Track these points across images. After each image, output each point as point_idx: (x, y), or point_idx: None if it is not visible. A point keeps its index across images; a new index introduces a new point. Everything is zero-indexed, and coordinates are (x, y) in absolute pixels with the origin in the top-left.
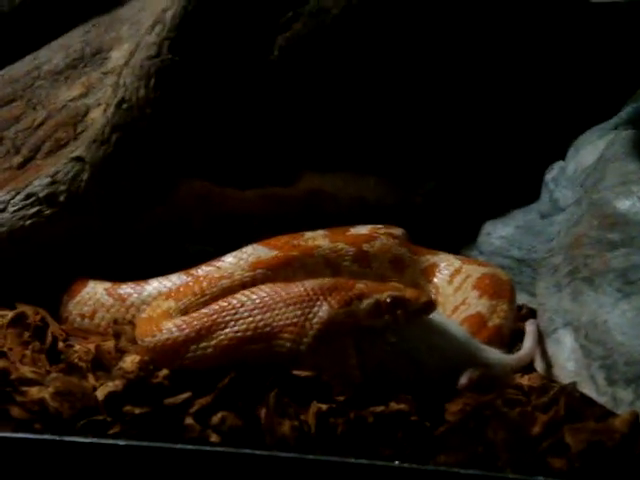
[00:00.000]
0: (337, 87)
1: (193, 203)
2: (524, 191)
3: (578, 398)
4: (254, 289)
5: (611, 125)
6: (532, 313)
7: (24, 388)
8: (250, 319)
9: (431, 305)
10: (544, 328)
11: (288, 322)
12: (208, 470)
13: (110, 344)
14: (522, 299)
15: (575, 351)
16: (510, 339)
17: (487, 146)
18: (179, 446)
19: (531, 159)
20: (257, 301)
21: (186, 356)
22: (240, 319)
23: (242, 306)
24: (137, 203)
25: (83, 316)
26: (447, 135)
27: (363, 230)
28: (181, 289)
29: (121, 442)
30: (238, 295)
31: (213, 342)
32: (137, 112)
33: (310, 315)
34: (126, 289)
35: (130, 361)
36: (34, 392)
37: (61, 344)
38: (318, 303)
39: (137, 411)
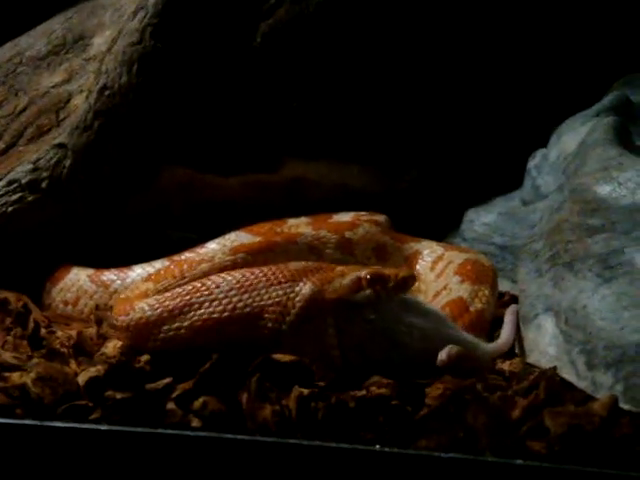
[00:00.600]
0: (320, 74)
1: (175, 190)
2: (506, 178)
3: (558, 382)
4: (231, 271)
5: (593, 112)
6: (514, 300)
7: (5, 374)
8: (226, 300)
9: (410, 280)
10: (525, 313)
11: (270, 302)
12: (190, 455)
13: (92, 330)
14: (504, 286)
15: (556, 336)
16: (491, 325)
17: (470, 134)
18: (160, 431)
19: (513, 146)
20: (234, 282)
21: (159, 336)
22: (215, 300)
23: (217, 287)
24: (120, 190)
25: (66, 303)
26: (430, 123)
27: (346, 217)
28: (161, 272)
29: (103, 427)
30: (213, 277)
31: (186, 323)
32: (119, 98)
33: (292, 294)
34: (109, 275)
35: (112, 346)
36: (15, 377)
37: (43, 330)
38: (300, 283)
39: (118, 396)
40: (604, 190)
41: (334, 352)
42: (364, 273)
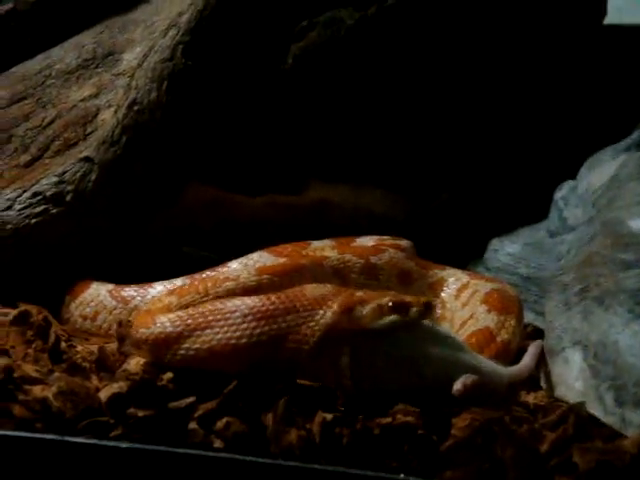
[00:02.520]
0: (349, 97)
1: (200, 208)
2: (532, 209)
3: (586, 418)
4: (252, 296)
5: (623, 146)
6: (538, 332)
7: (27, 387)
8: (244, 325)
9: (431, 307)
10: (552, 346)
11: (289, 330)
12: (211, 476)
13: (113, 346)
14: (528, 318)
15: (583, 371)
16: (516, 356)
17: (497, 163)
18: (182, 450)
19: (540, 177)
20: (252, 307)
21: (177, 352)
22: (233, 325)
23: (235, 312)
24: (145, 206)
25: (85, 317)
26: (458, 149)
27: (369, 241)
28: (185, 287)
29: (123, 444)
30: (234, 300)
31: (205, 345)
32: (148, 115)
33: (312, 323)
34: (129, 292)
35: (135, 363)
36: (37, 391)
37: (64, 344)
38: (320, 311)
39: (141, 414)
40: (638, 225)
41: (346, 381)
42: (385, 300)
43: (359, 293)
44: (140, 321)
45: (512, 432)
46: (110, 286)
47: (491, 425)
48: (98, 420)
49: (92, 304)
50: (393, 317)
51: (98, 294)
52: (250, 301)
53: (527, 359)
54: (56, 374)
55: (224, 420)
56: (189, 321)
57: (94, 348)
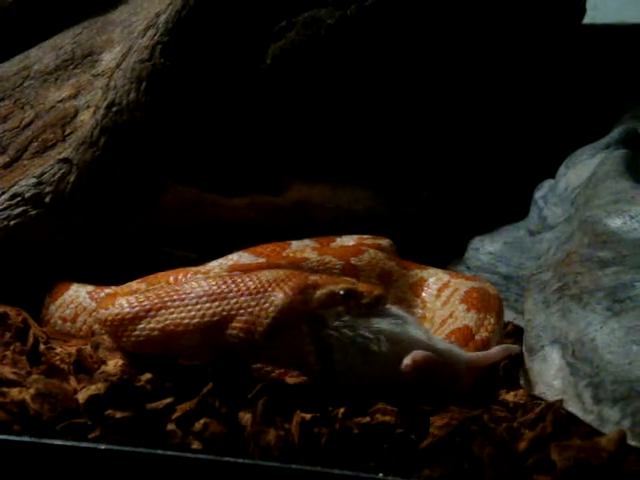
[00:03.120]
0: (328, 98)
1: (180, 209)
2: (512, 208)
3: (565, 416)
4: (208, 278)
5: (602, 145)
6: (518, 330)
7: (4, 389)
8: (197, 307)
9: (382, 298)
10: (531, 345)
11: (241, 312)
12: (189, 477)
13: (89, 348)
14: (508, 316)
15: (562, 369)
16: None
17: (477, 162)
18: (160, 452)
19: (520, 177)
20: (206, 289)
21: (133, 334)
22: (187, 305)
23: (190, 292)
24: (124, 207)
25: (65, 319)
26: (438, 149)
27: (350, 241)
28: (157, 276)
29: (101, 446)
30: (190, 282)
31: (159, 325)
32: (127, 115)
33: (265, 305)
34: (109, 293)
35: (113, 365)
36: (14, 393)
37: (42, 346)
38: (273, 292)
39: (118, 415)
40: (615, 223)
41: (311, 359)
42: (339, 288)
43: (313, 277)
44: (103, 302)
45: (490, 431)
46: (90, 287)
47: (469, 424)
48: (76, 422)
49: (72, 306)
50: (341, 308)
51: (78, 295)
52: (205, 283)
53: (493, 350)
54: (34, 376)
55: (202, 421)
56: (145, 302)
57: (73, 350)
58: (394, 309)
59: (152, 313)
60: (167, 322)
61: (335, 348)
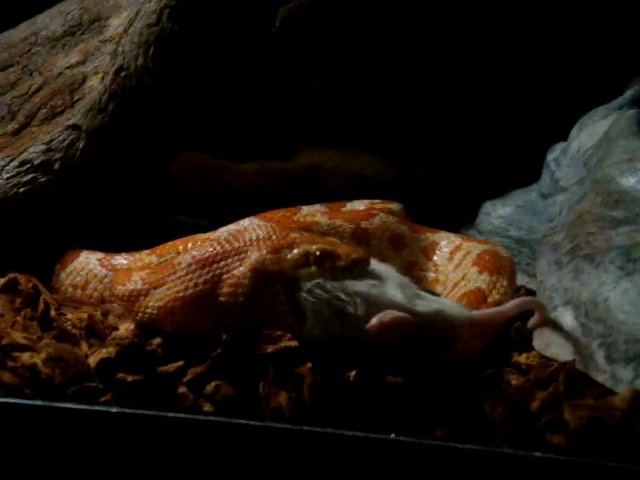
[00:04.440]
0: (338, 62)
1: (190, 175)
2: (524, 171)
3: (577, 375)
4: (197, 245)
5: (615, 106)
6: (530, 293)
7: (15, 354)
8: (188, 277)
9: (361, 262)
10: None
11: (228, 274)
12: (201, 440)
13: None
14: (521, 280)
15: (575, 329)
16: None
17: (488, 125)
18: (172, 415)
19: (531, 139)
20: (196, 257)
21: (146, 311)
22: (180, 277)
23: (180, 263)
24: (134, 173)
25: (75, 287)
26: (450, 113)
27: (360, 205)
28: (166, 246)
29: (113, 409)
30: (182, 255)
31: (162, 302)
32: (135, 81)
33: (245, 264)
34: (119, 260)
35: (124, 329)
36: (26, 358)
37: (53, 312)
38: (251, 252)
39: (130, 379)
40: (628, 182)
41: (289, 320)
42: (314, 249)
43: (293, 235)
44: (118, 278)
45: (502, 391)
46: (100, 255)
47: (481, 384)
48: (87, 386)
49: (82, 273)
50: (314, 268)
51: (88, 263)
52: (195, 251)
53: (508, 305)
54: (45, 341)
55: (213, 384)
56: (152, 278)
57: (84, 315)
58: (378, 270)
59: (157, 289)
60: (167, 298)
61: (309, 310)
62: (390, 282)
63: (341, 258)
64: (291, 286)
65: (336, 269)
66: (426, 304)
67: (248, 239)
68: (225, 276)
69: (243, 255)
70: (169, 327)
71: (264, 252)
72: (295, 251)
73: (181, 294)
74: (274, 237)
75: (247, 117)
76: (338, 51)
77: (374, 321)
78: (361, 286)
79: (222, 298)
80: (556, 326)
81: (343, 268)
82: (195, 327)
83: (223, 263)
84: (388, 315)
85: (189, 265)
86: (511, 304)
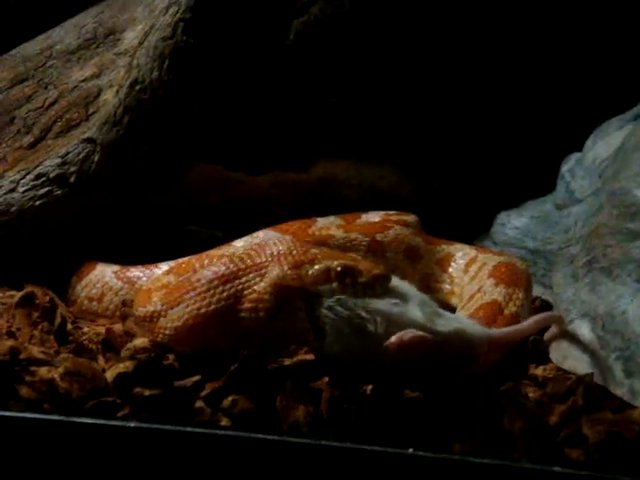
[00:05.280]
0: (352, 73)
1: (205, 187)
2: (539, 182)
3: (595, 389)
4: (216, 261)
5: (630, 117)
6: (546, 305)
7: (33, 368)
8: (210, 292)
9: (383, 278)
10: None
11: (249, 290)
12: (218, 454)
13: (120, 327)
14: (536, 291)
15: (592, 342)
16: None
17: (503, 136)
18: (189, 429)
19: (546, 150)
20: (217, 272)
21: (165, 332)
22: (200, 293)
23: (202, 279)
24: (149, 186)
25: (91, 299)
26: (464, 124)
27: (375, 217)
28: (183, 265)
29: (131, 424)
30: (201, 270)
31: (181, 321)
32: (150, 94)
33: (266, 279)
34: (135, 272)
35: (140, 342)
36: (43, 372)
37: (70, 326)
38: (272, 267)
39: (147, 393)
40: None
41: (309, 336)
42: (335, 264)
43: (314, 250)
44: (138, 300)
45: (521, 405)
46: (116, 267)
47: (499, 398)
48: (105, 400)
49: (98, 285)
50: (335, 284)
51: (104, 275)
52: (216, 267)
53: (525, 323)
54: (62, 355)
55: (230, 398)
56: (170, 297)
57: (101, 329)
58: (399, 287)
59: (175, 309)
60: (185, 316)
61: (329, 327)
62: (411, 301)
63: (363, 274)
64: (312, 302)
65: (357, 285)
66: (446, 323)
67: (269, 254)
68: (246, 292)
69: (264, 270)
70: (189, 347)
71: (285, 268)
72: (316, 267)
73: (203, 310)
74: (295, 252)
75: (262, 129)
76: (352, 63)
77: (394, 339)
78: (382, 304)
79: (243, 314)
80: (573, 339)
81: (364, 284)
82: (215, 345)
83: (245, 278)
84: (408, 334)
85: (211, 281)
86: (530, 321)
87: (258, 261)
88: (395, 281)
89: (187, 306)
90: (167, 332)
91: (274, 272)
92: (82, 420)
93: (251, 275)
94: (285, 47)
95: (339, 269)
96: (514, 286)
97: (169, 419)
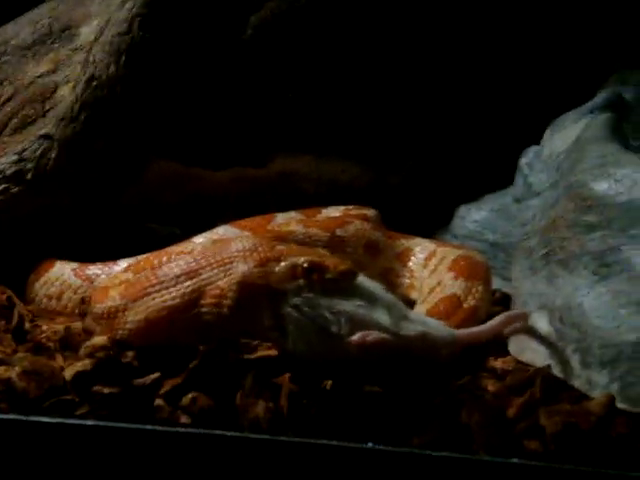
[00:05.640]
0: (310, 68)
1: (164, 184)
2: (498, 175)
3: (553, 381)
4: (184, 255)
5: (586, 109)
6: (505, 298)
7: None
8: (177, 287)
9: (349, 274)
10: None
11: (212, 285)
12: (178, 451)
13: (79, 325)
14: (496, 284)
15: (550, 334)
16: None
17: (461, 130)
18: (149, 427)
19: (505, 143)
20: (184, 267)
21: (125, 326)
22: (168, 287)
23: (170, 272)
24: (106, 183)
25: (50, 297)
26: (422, 119)
27: (335, 212)
28: (141, 262)
29: (89, 422)
30: (170, 263)
31: (143, 314)
32: (107, 90)
33: (230, 276)
34: (94, 270)
35: (99, 340)
36: (1, 371)
37: (27, 324)
38: (237, 264)
39: (106, 391)
40: (601, 187)
41: (272, 334)
42: (302, 261)
43: (280, 247)
44: (95, 297)
45: (479, 398)
46: (74, 265)
47: (457, 391)
48: (63, 399)
49: (57, 283)
50: (302, 281)
51: (62, 273)
52: (182, 261)
53: (491, 323)
54: (20, 354)
55: (190, 396)
56: (131, 292)
57: (59, 327)
58: (366, 287)
59: (138, 302)
60: (149, 309)
61: (292, 326)
62: (378, 302)
63: (329, 270)
64: (277, 300)
65: (324, 282)
66: (412, 327)
67: (234, 250)
68: (209, 287)
69: (229, 266)
70: (150, 341)
71: (251, 265)
72: (283, 264)
73: (169, 303)
74: (260, 249)
75: (220, 125)
76: (310, 56)
77: (357, 337)
78: (347, 305)
79: (205, 309)
80: (531, 331)
81: (331, 281)
82: (176, 340)
83: (209, 274)
84: (372, 335)
85: (178, 275)
86: (495, 321)
87: (224, 256)
88: (362, 280)
89: (153, 298)
90: (128, 326)
91: (239, 268)
92: (40, 419)
93: (215, 271)
94: (242, 42)
95: (305, 265)
96: (473, 279)
97: (128, 417)
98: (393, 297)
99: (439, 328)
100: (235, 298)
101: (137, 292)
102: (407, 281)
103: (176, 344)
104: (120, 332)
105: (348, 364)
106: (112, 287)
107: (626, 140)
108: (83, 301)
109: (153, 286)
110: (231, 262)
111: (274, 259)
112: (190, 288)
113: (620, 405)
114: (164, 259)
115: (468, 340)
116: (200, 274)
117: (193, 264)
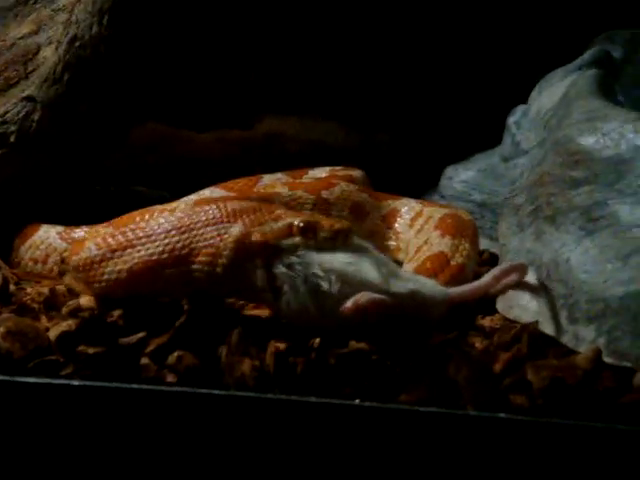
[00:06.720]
0: (298, 29)
1: (149, 146)
2: (486, 135)
3: (540, 336)
4: (177, 212)
5: (574, 67)
6: (493, 257)
7: None
8: (166, 241)
9: (344, 233)
10: None
11: (205, 243)
12: (165, 410)
13: (64, 287)
14: (483, 244)
15: (537, 290)
16: (472, 279)
17: (448, 90)
18: (135, 386)
19: (492, 103)
20: (175, 222)
21: (103, 278)
22: (156, 240)
23: (158, 227)
24: (91, 145)
25: (35, 261)
26: (409, 79)
27: (321, 173)
28: (123, 218)
29: (75, 382)
30: (157, 218)
31: (127, 265)
32: (90, 50)
33: (225, 235)
34: (80, 233)
35: (84, 300)
36: None
37: (12, 287)
38: (233, 223)
39: (91, 351)
40: (588, 141)
41: (266, 295)
42: (297, 220)
43: (279, 210)
44: (73, 249)
45: (466, 353)
46: (60, 228)
47: (445, 348)
48: (48, 359)
49: (42, 247)
50: (298, 239)
51: (48, 236)
52: (173, 217)
53: (484, 279)
54: (4, 315)
55: (175, 354)
56: (111, 243)
57: (44, 290)
58: (358, 245)
59: (118, 253)
60: (135, 260)
61: (286, 286)
62: (367, 260)
63: (324, 229)
64: (271, 260)
65: (319, 240)
66: (402, 284)
67: (230, 210)
68: (202, 244)
69: (222, 226)
70: (130, 292)
71: (248, 225)
72: (280, 222)
73: (155, 257)
74: (258, 211)
75: (206, 86)
76: (298, 17)
77: (349, 303)
78: (338, 263)
79: (196, 266)
80: (525, 285)
81: (326, 238)
82: (157, 293)
83: (202, 231)
84: (364, 296)
85: (168, 230)
86: (488, 277)
87: (217, 215)
88: (354, 239)
89: (138, 251)
90: (106, 277)
91: (237, 229)
92: (25, 379)
93: (209, 229)
94: (230, 2)
95: (301, 225)
96: (460, 237)
97: (114, 377)
98: (384, 256)
99: (431, 286)
100: (231, 257)
101: (118, 244)
102: (393, 243)
103: (154, 298)
104: (96, 285)
105: (340, 325)
106: (90, 239)
107: (614, 96)
108: (63, 261)
109: (139, 239)
110: (228, 221)
111: (272, 220)
112: (180, 243)
113: (607, 359)
114: (146, 216)
115: (460, 298)
116: (192, 230)
117: (185, 219)
